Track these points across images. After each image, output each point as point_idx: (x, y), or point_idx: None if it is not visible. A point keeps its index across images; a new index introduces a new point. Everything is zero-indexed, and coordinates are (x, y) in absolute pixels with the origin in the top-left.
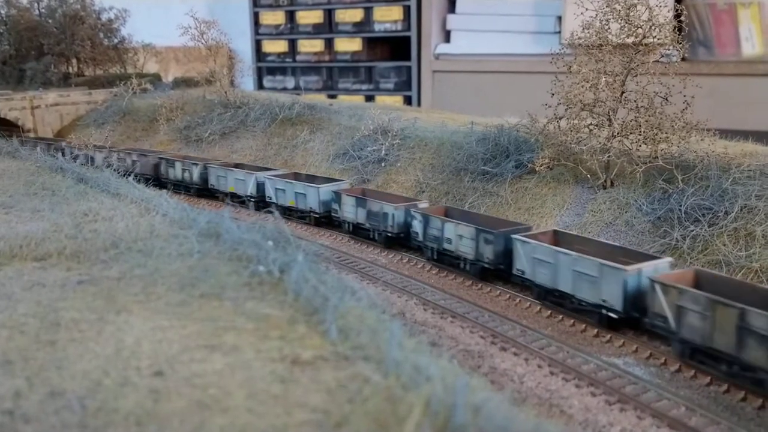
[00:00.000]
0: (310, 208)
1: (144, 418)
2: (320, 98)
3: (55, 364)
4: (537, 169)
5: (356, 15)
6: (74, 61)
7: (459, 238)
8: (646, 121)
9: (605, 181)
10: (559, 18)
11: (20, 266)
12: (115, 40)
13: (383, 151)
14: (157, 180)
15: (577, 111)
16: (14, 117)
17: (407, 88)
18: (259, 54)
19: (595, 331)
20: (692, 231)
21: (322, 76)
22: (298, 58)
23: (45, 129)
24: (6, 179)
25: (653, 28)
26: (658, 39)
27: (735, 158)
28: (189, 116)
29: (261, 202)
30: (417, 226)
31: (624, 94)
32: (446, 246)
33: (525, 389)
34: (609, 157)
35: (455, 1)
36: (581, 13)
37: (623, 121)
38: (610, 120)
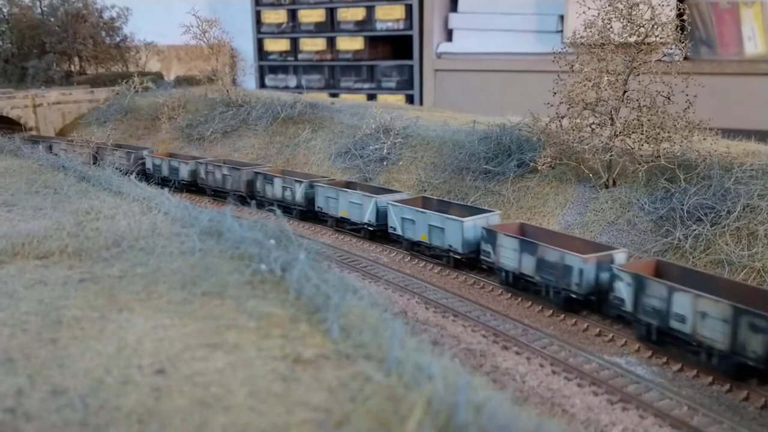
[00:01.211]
0: (449, 246)
1: (146, 416)
2: (322, 97)
3: (57, 362)
4: (539, 168)
5: (358, 14)
6: (76, 59)
7: (703, 317)
8: (649, 120)
9: (607, 180)
10: (562, 17)
11: (22, 264)
12: (117, 39)
13: (385, 150)
14: (251, 198)
15: (579, 110)
16: (16, 115)
17: (409, 86)
18: (261, 52)
19: (598, 330)
20: (694, 230)
21: (324, 75)
22: (299, 56)
23: (47, 127)
24: (8, 177)
25: (655, 27)
26: (661, 38)
27: (737, 157)
28: (191, 115)
29: (381, 231)
30: (623, 290)
31: (626, 93)
32: (677, 326)
33: (527, 388)
34: (611, 156)
35: (457, 0)
36: (583, 12)
37: (625, 120)
38: (612, 119)
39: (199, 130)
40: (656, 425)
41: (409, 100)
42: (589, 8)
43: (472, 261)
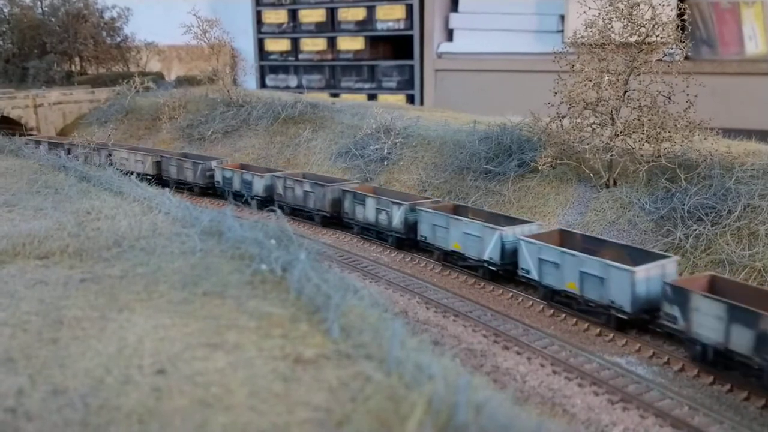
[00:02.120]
0: (611, 302)
1: (146, 416)
2: (323, 97)
3: (58, 362)
4: (540, 168)
5: (359, 14)
6: (77, 59)
7: None
8: (649, 120)
9: (608, 180)
10: (562, 17)
11: (23, 264)
12: (118, 39)
13: (386, 150)
14: (338, 219)
15: (579, 110)
16: (17, 115)
17: (410, 86)
18: (262, 53)
19: (598, 330)
20: (695, 230)
21: (325, 75)
22: (300, 56)
23: (48, 127)
24: (9, 177)
25: (656, 26)
26: (661, 38)
27: (738, 157)
28: (191, 115)
29: (507, 272)
30: None
31: (627, 93)
32: None
33: (527, 388)
34: (612, 156)
35: (458, 0)
36: (584, 12)
37: (626, 120)
38: (612, 119)
39: (200, 130)
40: (657, 425)
41: (410, 100)
42: (589, 8)
43: (641, 322)
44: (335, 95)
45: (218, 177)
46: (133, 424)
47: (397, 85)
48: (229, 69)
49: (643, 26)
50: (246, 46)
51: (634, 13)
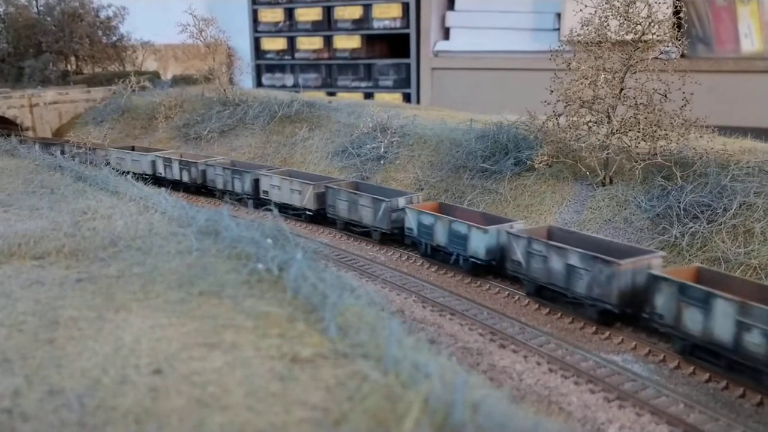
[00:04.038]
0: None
1: (143, 416)
2: (319, 96)
3: (54, 363)
4: (536, 166)
5: (355, 12)
6: (73, 59)
7: None
8: (645, 118)
9: (604, 178)
10: (558, 15)
11: (19, 264)
12: (114, 38)
13: (382, 149)
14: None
15: (576, 108)
16: (13, 115)
17: (406, 85)
18: (258, 51)
19: (594, 328)
20: (691, 228)
21: (321, 74)
22: (297, 55)
23: (44, 127)
24: (5, 177)
25: (652, 24)
26: (657, 36)
27: (734, 155)
28: (188, 114)
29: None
30: None
31: (623, 91)
32: None
33: (524, 386)
34: (608, 154)
35: None
36: (580, 10)
37: (622, 118)
38: (609, 117)
39: (196, 129)
40: (653, 423)
41: (407, 98)
42: (586, 6)
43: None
44: (332, 94)
45: (410, 223)
46: (129, 424)
47: (393, 84)
48: (226, 68)
49: (640, 24)
50: (242, 45)
51: (631, 11)
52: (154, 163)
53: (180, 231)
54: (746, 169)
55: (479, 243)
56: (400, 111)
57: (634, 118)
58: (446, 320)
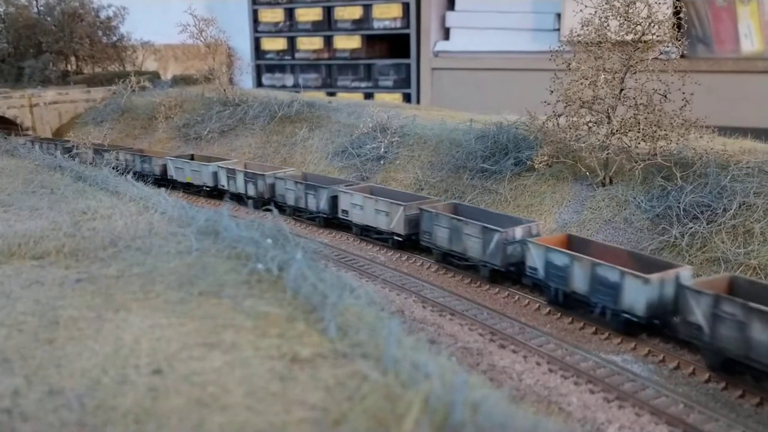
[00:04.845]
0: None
1: (143, 416)
2: (319, 96)
3: (54, 363)
4: (536, 166)
5: (355, 12)
6: (73, 59)
7: None
8: (645, 118)
9: (604, 178)
10: (558, 15)
11: (19, 264)
12: (114, 38)
13: (382, 149)
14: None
15: (576, 108)
16: (13, 115)
17: (406, 85)
18: (258, 51)
19: (594, 328)
20: (691, 228)
21: (321, 74)
22: (297, 55)
23: (44, 127)
24: (5, 177)
25: (652, 25)
26: (657, 36)
27: (733, 155)
28: (188, 114)
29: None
30: None
31: (623, 92)
32: None
33: (523, 386)
34: (608, 154)
35: None
36: (580, 10)
37: (622, 119)
38: (609, 117)
39: (196, 129)
40: (652, 423)
41: (407, 98)
42: (586, 6)
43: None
44: (332, 94)
45: (535, 261)
46: (129, 424)
47: (393, 84)
48: (226, 68)
49: (639, 24)
50: (242, 45)
51: (631, 11)
52: (216, 174)
53: (180, 231)
54: (746, 170)
55: (637, 295)
56: (400, 111)
57: (634, 118)
58: (446, 320)
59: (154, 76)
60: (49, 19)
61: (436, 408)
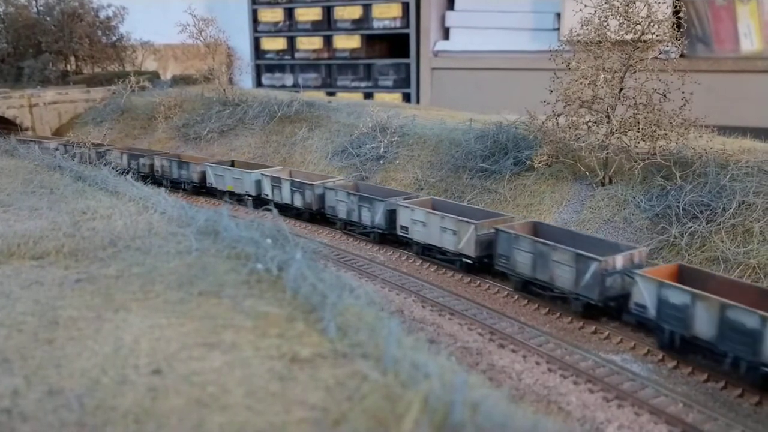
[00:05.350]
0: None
1: (142, 416)
2: (319, 96)
3: (54, 363)
4: (535, 166)
5: (355, 12)
6: (72, 59)
7: None
8: (645, 117)
9: (603, 177)
10: (558, 15)
11: (18, 264)
12: (114, 38)
13: (382, 149)
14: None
15: (575, 108)
16: (12, 115)
17: (406, 85)
18: (258, 51)
19: (593, 327)
20: (690, 227)
21: (321, 74)
22: (296, 55)
23: (43, 127)
24: (4, 177)
25: (652, 24)
26: (657, 35)
27: (733, 155)
28: (187, 114)
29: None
30: None
31: (622, 91)
32: None
33: (523, 386)
34: (607, 153)
35: None
36: (580, 10)
37: (622, 118)
38: (608, 117)
39: (196, 129)
40: (651, 422)
41: (406, 98)
42: (585, 6)
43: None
44: (331, 94)
45: (644, 298)
46: (129, 425)
47: (393, 84)
48: (225, 68)
49: (639, 24)
50: (242, 44)
51: (630, 10)
52: (259, 183)
53: (179, 231)
54: (745, 169)
55: None
56: (399, 111)
57: (634, 117)
58: (445, 320)
59: (154, 76)
60: (48, 19)
61: (435, 408)
